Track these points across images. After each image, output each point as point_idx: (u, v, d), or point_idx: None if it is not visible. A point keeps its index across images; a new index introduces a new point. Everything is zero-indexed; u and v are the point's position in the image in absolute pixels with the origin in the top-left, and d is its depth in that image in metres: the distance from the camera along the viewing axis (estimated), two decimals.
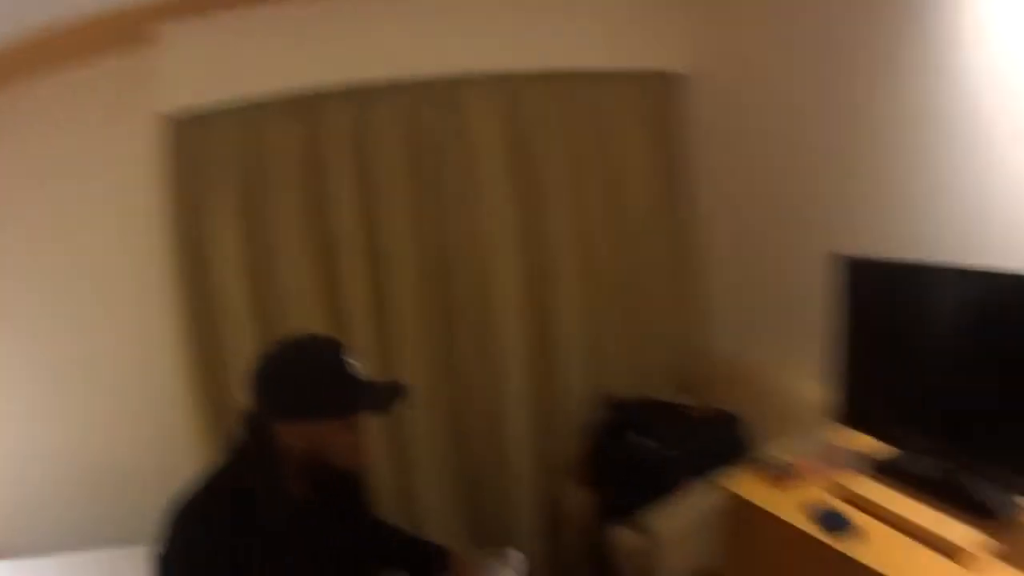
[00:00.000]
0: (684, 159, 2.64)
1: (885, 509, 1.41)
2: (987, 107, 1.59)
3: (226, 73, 2.08)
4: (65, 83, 2.08)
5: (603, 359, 2.50)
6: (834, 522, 1.39)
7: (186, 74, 2.05)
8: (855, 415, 1.72)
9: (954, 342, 1.49)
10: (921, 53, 1.72)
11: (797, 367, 2.10)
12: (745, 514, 1.61)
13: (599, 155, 2.47)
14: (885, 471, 1.55)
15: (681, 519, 1.96)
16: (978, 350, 1.43)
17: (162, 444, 2.16)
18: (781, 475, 1.61)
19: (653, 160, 2.56)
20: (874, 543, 1.32)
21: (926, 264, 1.56)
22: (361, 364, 1.13)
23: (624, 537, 2.08)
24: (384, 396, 1.15)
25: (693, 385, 2.54)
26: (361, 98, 2.18)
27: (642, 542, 2.00)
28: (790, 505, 1.50)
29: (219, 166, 2.10)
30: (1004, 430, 1.36)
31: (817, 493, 1.53)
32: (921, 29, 1.71)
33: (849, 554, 1.30)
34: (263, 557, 1.03)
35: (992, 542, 1.25)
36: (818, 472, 1.60)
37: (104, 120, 2.13)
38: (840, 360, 1.74)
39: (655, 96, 2.55)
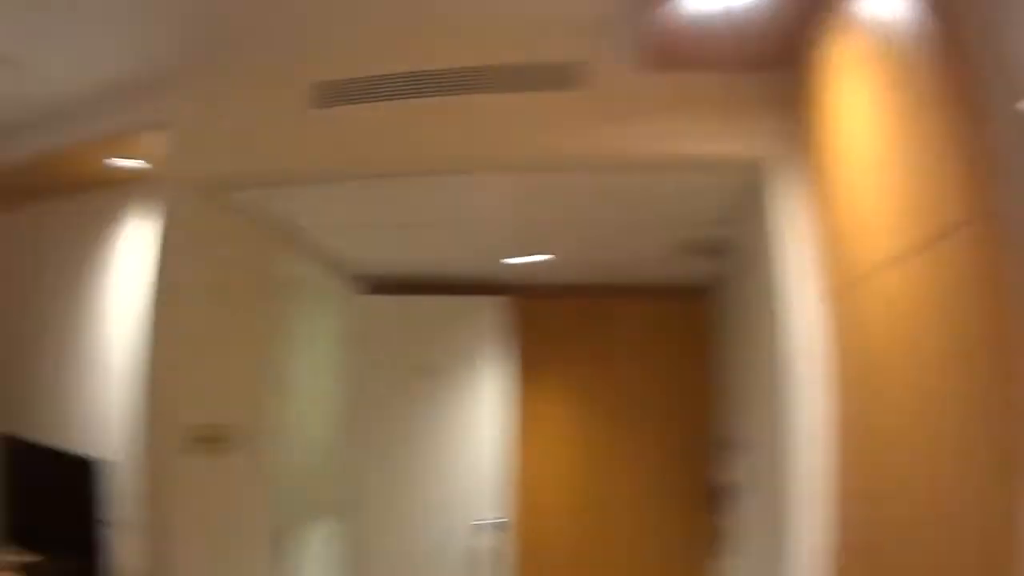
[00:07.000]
0: None
1: None
2: (113, 341, 2.58)
3: None
4: None
5: None
6: None
7: None
8: (16, 536, 2.62)
9: (50, 493, 2.51)
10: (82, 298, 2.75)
11: None
12: None
13: None
14: (27, 570, 2.43)
15: None
16: (64, 503, 2.42)
17: None
18: None
19: None
20: None
21: (40, 443, 2.58)
22: None
23: None
24: None
25: None
26: None
27: None
28: None
29: None
30: (78, 550, 2.33)
31: None
32: (87, 282, 2.74)
33: None
34: None
35: None
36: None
37: None
38: (6, 502, 2.66)
39: None
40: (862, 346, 1.39)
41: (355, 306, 3.11)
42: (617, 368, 3.23)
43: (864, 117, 1.34)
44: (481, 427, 2.99)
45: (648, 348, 3.23)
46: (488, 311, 3.06)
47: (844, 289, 1.51)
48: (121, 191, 2.68)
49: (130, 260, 2.63)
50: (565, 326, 3.25)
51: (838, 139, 1.52)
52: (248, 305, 2.33)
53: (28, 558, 2.50)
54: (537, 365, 3.17)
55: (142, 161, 2.43)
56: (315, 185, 2.02)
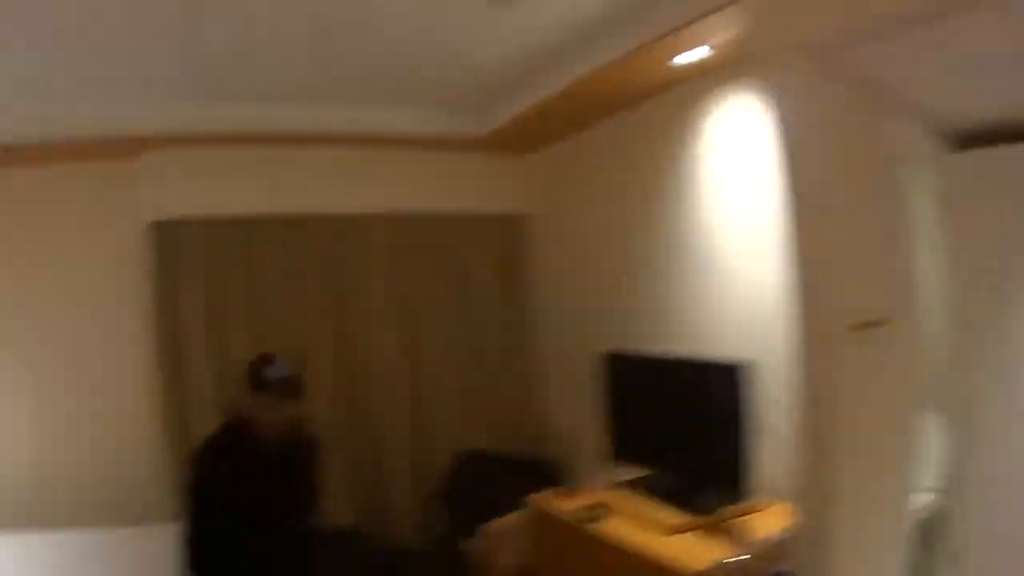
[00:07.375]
0: (527, 282, 3.86)
1: (627, 506, 2.45)
2: (719, 239, 2.67)
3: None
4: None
5: (467, 423, 3.60)
6: (592, 516, 2.39)
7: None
8: (622, 453, 2.84)
9: (669, 405, 2.59)
10: (676, 205, 2.86)
11: (589, 425, 3.17)
12: (544, 517, 2.64)
13: (463, 278, 3.67)
14: (636, 485, 2.61)
15: (507, 527, 2.88)
16: (688, 414, 2.49)
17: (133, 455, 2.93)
18: (570, 493, 2.66)
19: (504, 283, 3.78)
20: (613, 527, 2.31)
21: (658, 355, 2.73)
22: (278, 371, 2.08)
23: (471, 542, 2.98)
24: (283, 389, 2.08)
25: (529, 440, 3.69)
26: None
27: (482, 544, 2.89)
28: (569, 509, 2.51)
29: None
30: (704, 463, 2.42)
31: (590, 501, 2.51)
32: (677, 189, 2.85)
33: (595, 534, 2.31)
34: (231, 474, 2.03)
35: (694, 521, 2.22)
36: (593, 488, 2.65)
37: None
38: (611, 419, 2.88)
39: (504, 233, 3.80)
40: None
41: (950, 167, 2.70)
42: None
43: None
44: None
45: None
46: None
47: None
48: (692, 85, 2.68)
49: (722, 154, 2.63)
50: None
51: None
52: (868, 180, 2.13)
53: (639, 473, 2.66)
54: None
55: (706, 49, 2.39)
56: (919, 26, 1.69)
